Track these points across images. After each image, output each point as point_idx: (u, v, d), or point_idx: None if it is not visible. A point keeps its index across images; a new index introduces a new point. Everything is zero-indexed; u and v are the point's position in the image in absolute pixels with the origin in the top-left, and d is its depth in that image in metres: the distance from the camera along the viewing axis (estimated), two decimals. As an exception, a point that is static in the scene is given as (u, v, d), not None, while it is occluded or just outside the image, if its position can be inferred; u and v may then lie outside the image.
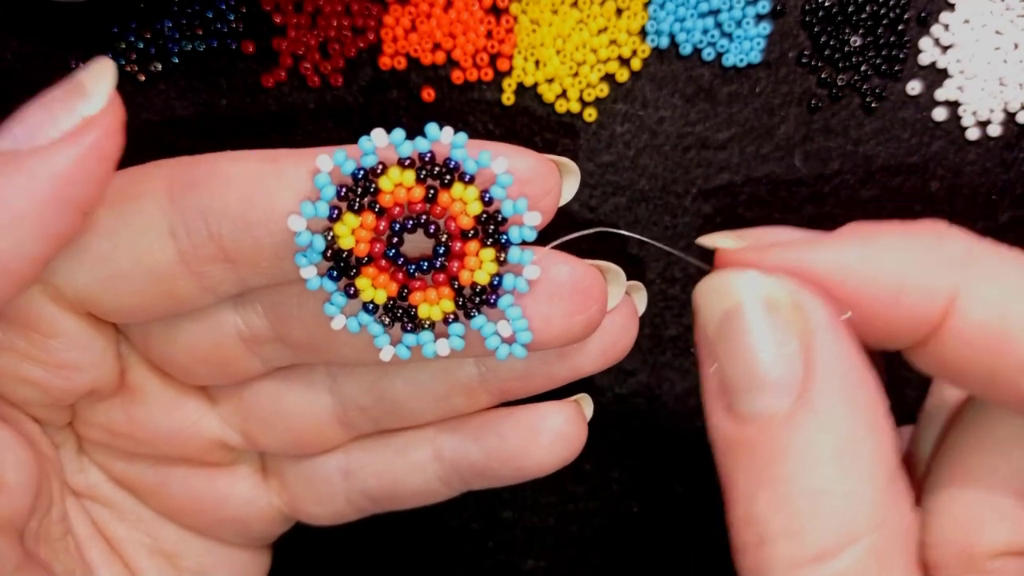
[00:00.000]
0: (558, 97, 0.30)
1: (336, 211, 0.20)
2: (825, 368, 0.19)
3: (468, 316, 0.21)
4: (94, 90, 0.20)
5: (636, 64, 0.29)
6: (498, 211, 0.21)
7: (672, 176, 0.30)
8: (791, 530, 0.19)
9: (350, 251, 0.21)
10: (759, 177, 0.30)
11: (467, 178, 0.20)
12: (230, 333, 0.23)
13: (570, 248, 0.23)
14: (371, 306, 0.21)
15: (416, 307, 0.21)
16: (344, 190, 0.20)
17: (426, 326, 0.21)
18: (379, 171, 0.20)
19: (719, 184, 0.30)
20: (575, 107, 0.30)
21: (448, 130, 0.20)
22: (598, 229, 0.28)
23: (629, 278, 0.27)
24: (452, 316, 0.21)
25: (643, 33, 0.29)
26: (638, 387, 0.32)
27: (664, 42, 0.29)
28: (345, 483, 0.27)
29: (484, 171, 0.21)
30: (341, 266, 0.21)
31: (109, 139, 0.19)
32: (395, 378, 0.24)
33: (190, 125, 0.30)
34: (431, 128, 0.20)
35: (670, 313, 0.31)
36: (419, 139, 0.20)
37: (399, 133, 0.20)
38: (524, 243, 0.21)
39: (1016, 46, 0.29)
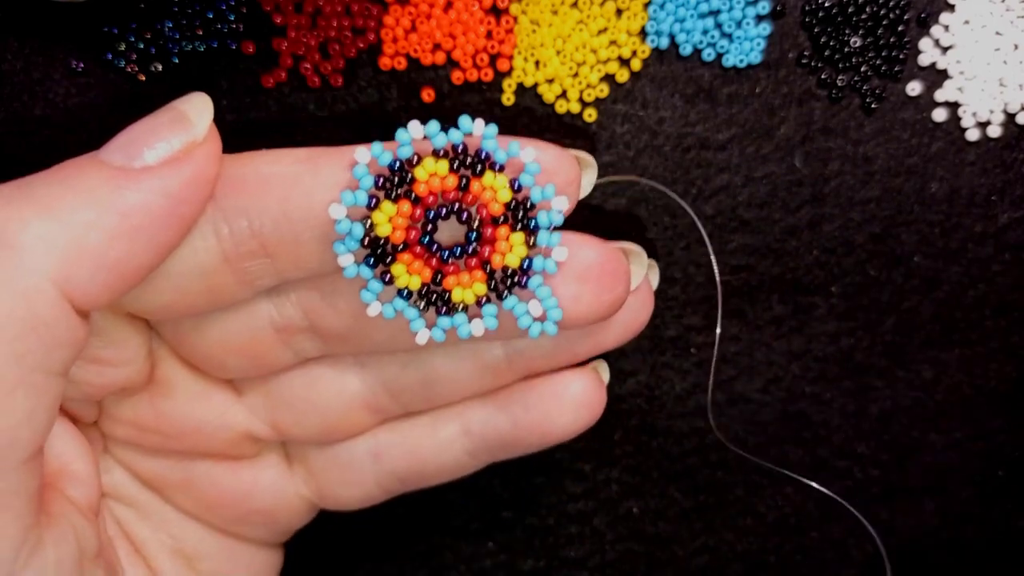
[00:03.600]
0: (558, 98, 0.30)
1: (374, 199, 0.21)
2: None
3: (500, 298, 0.22)
4: (198, 120, 0.21)
5: (636, 65, 0.29)
6: (527, 197, 0.22)
7: (672, 176, 0.30)
8: None
9: (387, 238, 0.21)
10: (759, 177, 0.30)
11: (497, 167, 0.21)
12: (264, 324, 0.24)
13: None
14: (406, 292, 0.22)
15: (450, 291, 0.22)
16: (381, 180, 0.21)
17: (460, 309, 0.22)
18: (415, 162, 0.21)
19: (719, 184, 0.30)
20: (575, 108, 0.30)
21: (480, 122, 0.21)
22: (635, 178, 0.29)
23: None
24: (485, 299, 0.22)
25: (643, 34, 0.29)
26: (638, 387, 0.32)
27: (664, 43, 0.29)
28: (375, 465, 0.27)
29: (513, 160, 0.22)
30: (378, 253, 0.21)
31: (211, 165, 0.21)
32: (423, 364, 0.25)
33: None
34: (464, 120, 0.21)
35: (670, 313, 0.31)
36: (452, 130, 0.21)
37: (434, 125, 0.21)
38: (552, 227, 0.22)
39: (1016, 47, 0.29)
